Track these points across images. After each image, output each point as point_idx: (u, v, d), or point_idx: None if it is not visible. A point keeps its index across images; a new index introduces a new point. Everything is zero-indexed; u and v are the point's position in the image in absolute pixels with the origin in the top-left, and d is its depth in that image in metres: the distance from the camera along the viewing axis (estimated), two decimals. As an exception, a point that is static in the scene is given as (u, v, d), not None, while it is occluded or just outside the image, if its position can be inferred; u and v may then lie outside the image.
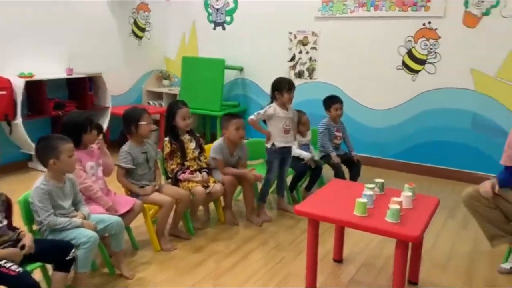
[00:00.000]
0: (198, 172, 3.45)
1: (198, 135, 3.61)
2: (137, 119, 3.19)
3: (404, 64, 5.07)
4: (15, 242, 2.26)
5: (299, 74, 5.71)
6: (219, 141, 3.61)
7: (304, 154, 4.00)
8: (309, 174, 4.14)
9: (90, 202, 2.87)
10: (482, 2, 4.58)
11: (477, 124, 4.79)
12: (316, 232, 2.57)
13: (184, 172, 3.37)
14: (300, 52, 5.66)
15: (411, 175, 5.09)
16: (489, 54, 4.61)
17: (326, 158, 4.31)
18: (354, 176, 4.35)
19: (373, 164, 5.31)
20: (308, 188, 4.15)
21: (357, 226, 2.39)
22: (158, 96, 6.37)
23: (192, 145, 3.49)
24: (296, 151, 3.94)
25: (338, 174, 4.19)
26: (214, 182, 3.45)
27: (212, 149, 3.58)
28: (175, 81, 6.50)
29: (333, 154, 4.25)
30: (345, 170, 4.41)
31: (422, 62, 4.98)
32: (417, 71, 5.02)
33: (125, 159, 3.15)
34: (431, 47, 4.90)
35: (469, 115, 4.81)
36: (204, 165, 3.51)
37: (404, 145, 5.21)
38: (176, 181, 3.41)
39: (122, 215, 2.95)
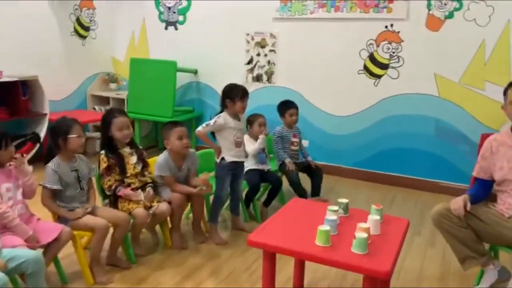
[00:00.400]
0: (140, 190, 3.04)
1: (140, 147, 3.19)
2: (66, 131, 2.74)
3: (365, 68, 4.83)
4: None
5: (257, 78, 5.38)
6: (163, 155, 3.20)
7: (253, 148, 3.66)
8: (266, 187, 3.81)
9: (5, 231, 2.41)
10: (445, 4, 4.40)
11: (440, 131, 4.61)
12: (272, 265, 2.23)
13: (125, 188, 2.95)
14: (258, 54, 5.32)
15: (373, 185, 4.86)
16: (453, 59, 4.43)
17: (283, 167, 4.01)
18: (317, 184, 4.08)
19: (333, 172, 5.04)
20: (267, 204, 3.81)
21: (320, 260, 2.06)
22: (104, 101, 5.86)
23: (133, 159, 3.07)
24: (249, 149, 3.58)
25: (293, 185, 3.89)
26: (159, 201, 3.04)
27: (156, 166, 3.17)
28: (124, 84, 6.00)
29: (288, 161, 3.94)
30: (307, 180, 4.13)
31: (384, 66, 4.75)
32: (379, 76, 4.79)
33: (51, 179, 2.70)
34: (394, 50, 4.68)
35: (432, 122, 4.63)
36: (149, 180, 3.10)
37: (366, 153, 4.97)
38: (115, 201, 2.98)
39: (46, 246, 2.51)
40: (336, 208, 2.38)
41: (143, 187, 3.08)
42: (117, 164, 2.97)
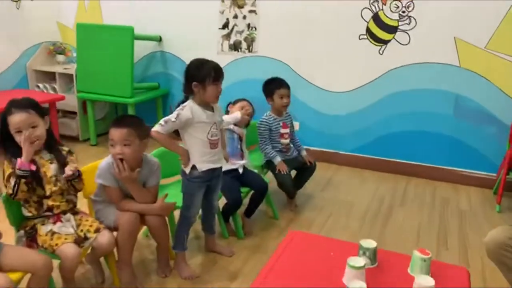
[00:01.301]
0: (70, 215, 2.15)
1: (66, 149, 2.22)
2: None
3: (368, 32, 3.90)
4: None
5: (235, 46, 4.40)
6: (108, 158, 2.27)
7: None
8: (247, 191, 2.93)
9: None
10: (470, -51, 3.47)
11: (461, 110, 3.76)
12: None
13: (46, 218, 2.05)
14: (235, 17, 4.33)
15: (379, 174, 4.04)
16: (478, 19, 3.54)
17: (270, 164, 3.14)
18: (303, 180, 3.32)
19: (328, 160, 4.20)
20: (249, 213, 2.94)
21: None
22: (50, 77, 4.81)
23: (52, 168, 2.12)
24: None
25: (284, 187, 3.12)
26: (97, 230, 2.14)
27: (97, 172, 2.25)
28: (74, 56, 4.93)
29: (277, 161, 3.08)
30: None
31: (392, 29, 3.83)
32: (385, 42, 3.87)
33: None
34: (404, 9, 3.75)
35: (451, 98, 3.77)
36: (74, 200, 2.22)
37: (369, 136, 4.11)
38: (32, 234, 2.08)
39: None
40: (360, 260, 1.51)
41: (72, 210, 2.19)
42: (31, 176, 2.02)
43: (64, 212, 2.16)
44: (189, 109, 2.22)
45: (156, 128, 2.20)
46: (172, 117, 2.20)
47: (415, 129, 3.93)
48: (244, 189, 2.88)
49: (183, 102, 2.29)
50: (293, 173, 3.36)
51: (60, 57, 4.93)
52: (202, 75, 2.19)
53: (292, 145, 3.27)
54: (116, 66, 4.25)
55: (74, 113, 4.65)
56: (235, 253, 2.68)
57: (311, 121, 4.23)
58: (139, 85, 4.56)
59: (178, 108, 2.23)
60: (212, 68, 2.20)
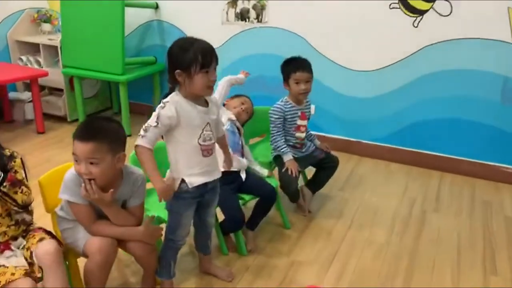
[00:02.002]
0: (21, 238, 1.68)
1: (8, 153, 1.71)
2: None
3: (401, 0, 3.26)
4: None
5: (242, 15, 3.78)
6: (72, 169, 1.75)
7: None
8: (250, 199, 2.40)
9: None
10: None
11: (509, 95, 3.15)
12: None
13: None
14: (243, -20, 3.71)
15: (408, 168, 3.49)
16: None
17: (280, 161, 2.61)
18: (323, 180, 2.79)
19: (349, 150, 3.66)
20: (253, 225, 2.42)
21: None
22: (34, 48, 4.27)
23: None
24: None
25: (288, 190, 2.56)
26: (41, 239, 1.64)
27: (62, 186, 1.73)
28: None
29: (288, 158, 2.55)
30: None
31: (430, -3, 3.19)
32: (421, 12, 3.23)
33: None
34: (446, -28, 3.10)
35: (498, 81, 3.15)
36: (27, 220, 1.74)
37: (396, 124, 3.53)
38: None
39: None
40: None
41: (24, 233, 1.72)
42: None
43: (15, 238, 1.68)
44: (173, 105, 1.67)
45: (140, 142, 1.65)
46: (152, 121, 1.66)
47: (452, 116, 3.33)
48: (246, 196, 2.36)
49: (168, 94, 1.74)
50: (309, 172, 2.85)
51: (46, 26, 4.37)
52: (187, 61, 1.62)
53: (306, 140, 2.72)
54: (105, 38, 3.68)
55: (61, 90, 4.13)
56: (234, 277, 2.19)
57: (330, 104, 3.66)
58: (133, 59, 4.01)
59: (158, 106, 1.68)
60: (199, 51, 1.63)
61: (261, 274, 2.22)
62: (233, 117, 2.39)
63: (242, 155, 2.38)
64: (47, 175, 1.87)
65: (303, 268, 2.28)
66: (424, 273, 2.28)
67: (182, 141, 1.72)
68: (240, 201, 2.30)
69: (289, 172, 2.50)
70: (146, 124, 1.66)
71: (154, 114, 1.66)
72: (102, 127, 1.70)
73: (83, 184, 1.65)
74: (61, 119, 4.17)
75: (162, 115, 1.65)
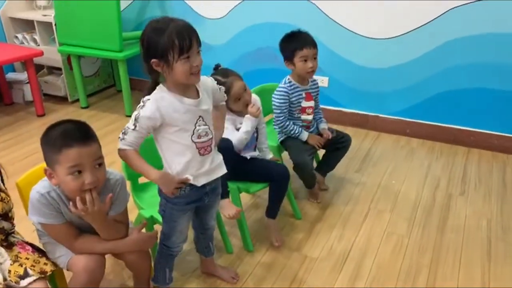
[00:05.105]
0: (1, 248, 1.52)
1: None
2: None
3: (424, -44, 2.90)
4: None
5: (247, -20, 3.46)
6: (40, 187, 1.51)
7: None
8: (262, 187, 2.18)
9: None
10: None
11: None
12: None
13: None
14: None
15: (432, 144, 3.21)
16: None
17: (286, 143, 2.39)
18: (335, 161, 2.58)
19: (366, 125, 3.40)
20: (273, 213, 2.19)
21: None
22: (29, 25, 4.03)
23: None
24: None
25: (303, 173, 2.38)
26: (43, 272, 1.48)
27: (30, 208, 1.51)
28: None
29: (306, 136, 2.37)
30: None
31: (457, -49, 2.81)
32: (447, -31, 2.87)
33: None
34: None
35: (534, 46, 2.81)
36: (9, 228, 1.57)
37: (418, 96, 3.22)
38: None
39: None
40: None
41: (7, 242, 1.55)
42: None
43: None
44: (154, 103, 1.43)
45: (122, 146, 1.46)
46: (130, 123, 1.43)
47: (480, 86, 3.00)
48: (257, 186, 2.14)
49: (151, 88, 1.50)
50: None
51: (42, 2, 4.10)
52: (162, 48, 1.37)
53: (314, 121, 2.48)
54: (100, 12, 3.41)
55: (61, 69, 3.92)
56: (239, 278, 2.01)
57: (344, 76, 3.36)
58: (132, 34, 3.73)
59: (139, 105, 1.45)
60: (174, 34, 1.36)
61: (269, 273, 2.04)
62: (254, 120, 2.08)
63: (255, 149, 2.18)
64: (24, 177, 1.68)
65: (315, 265, 2.08)
66: (450, 268, 2.06)
67: (173, 140, 1.49)
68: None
69: (318, 148, 2.36)
70: (125, 127, 1.44)
71: (133, 114, 1.44)
72: (82, 125, 1.49)
73: (78, 199, 1.44)
74: (63, 100, 3.99)
75: (141, 116, 1.42)
